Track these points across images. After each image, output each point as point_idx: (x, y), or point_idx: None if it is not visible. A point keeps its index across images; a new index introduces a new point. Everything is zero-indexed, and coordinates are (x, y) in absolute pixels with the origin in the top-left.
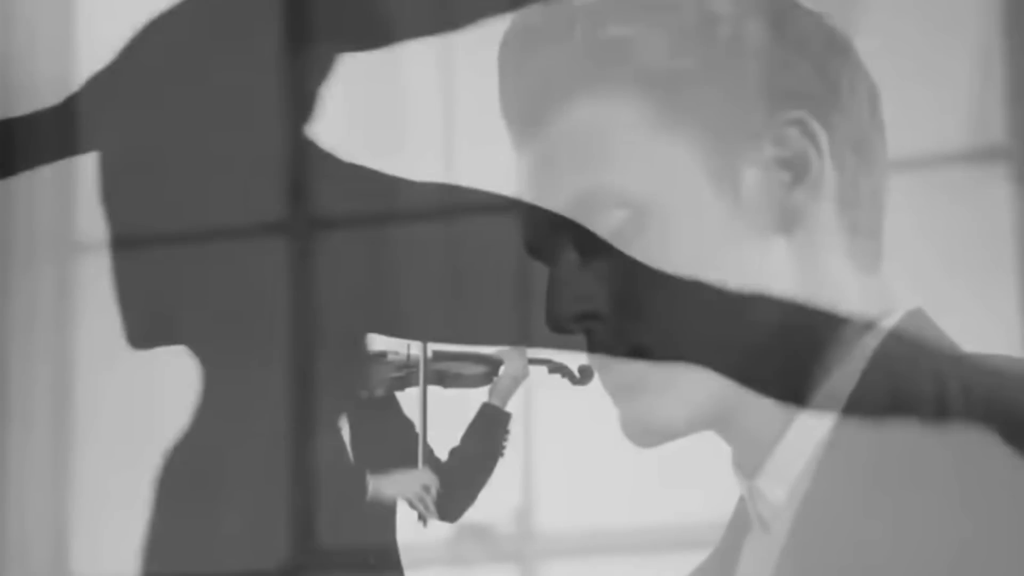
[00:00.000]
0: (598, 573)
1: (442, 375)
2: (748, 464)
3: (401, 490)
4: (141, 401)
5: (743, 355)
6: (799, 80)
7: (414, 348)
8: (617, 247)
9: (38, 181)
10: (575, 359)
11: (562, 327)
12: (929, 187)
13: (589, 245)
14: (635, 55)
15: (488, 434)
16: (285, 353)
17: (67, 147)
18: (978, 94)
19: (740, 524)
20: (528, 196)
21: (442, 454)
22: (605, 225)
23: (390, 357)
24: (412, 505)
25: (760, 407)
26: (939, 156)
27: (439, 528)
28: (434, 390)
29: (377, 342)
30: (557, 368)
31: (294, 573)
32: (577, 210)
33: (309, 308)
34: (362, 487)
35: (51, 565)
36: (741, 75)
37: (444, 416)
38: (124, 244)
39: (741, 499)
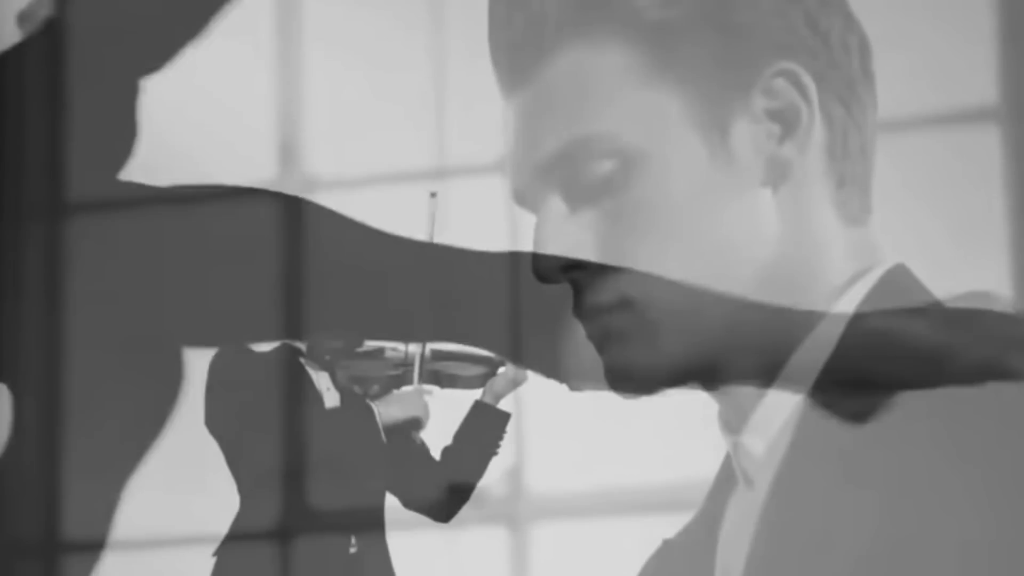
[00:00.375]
0: (589, 534)
1: (439, 375)
2: (733, 420)
3: (406, 409)
4: (132, 362)
5: (728, 305)
6: (790, 32)
7: (412, 345)
8: (604, 197)
9: (27, 139)
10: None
11: (548, 277)
12: (921, 148)
13: (576, 194)
14: (625, 4)
15: (481, 433)
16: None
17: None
18: (970, 55)
19: (725, 481)
20: (515, 144)
21: (436, 453)
22: (592, 175)
23: (387, 353)
24: (412, 425)
25: (743, 361)
26: (930, 117)
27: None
28: (430, 389)
29: (375, 338)
30: None
31: (285, 534)
32: (564, 159)
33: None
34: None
35: (42, 532)
36: (731, 26)
37: (441, 415)
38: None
39: (727, 456)
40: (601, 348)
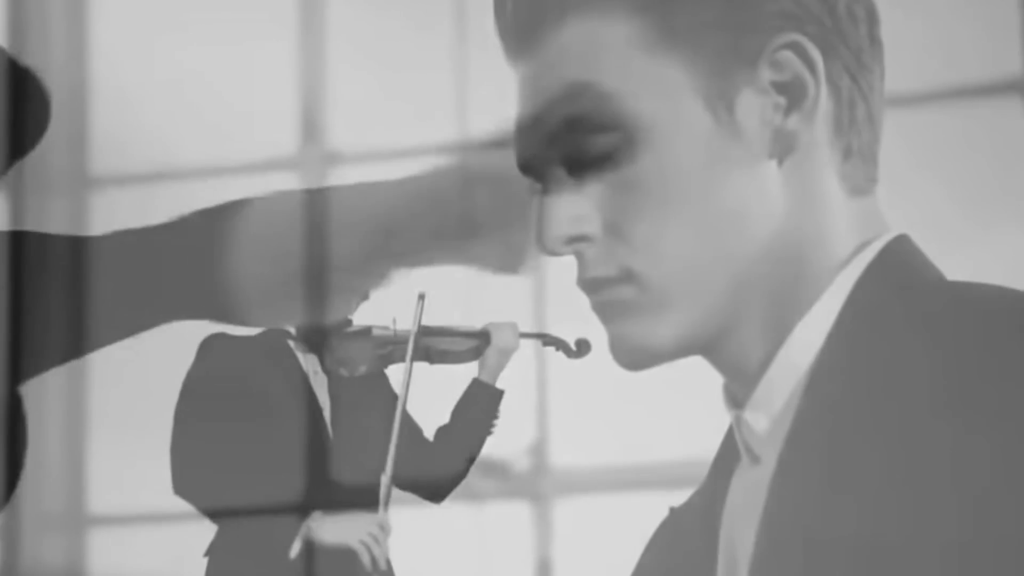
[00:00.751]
0: (612, 509)
1: (429, 351)
2: (738, 393)
3: (345, 536)
4: (155, 337)
5: (731, 279)
6: (797, 3)
7: (400, 324)
8: (609, 168)
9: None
10: (571, 333)
11: (552, 249)
12: (942, 122)
13: (581, 166)
14: None
15: (478, 412)
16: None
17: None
18: (993, 26)
19: (728, 455)
20: (522, 114)
21: (429, 431)
22: (597, 146)
23: (375, 332)
24: (359, 551)
25: (747, 334)
26: (953, 89)
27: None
28: (421, 366)
29: (362, 318)
30: (552, 341)
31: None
32: (570, 130)
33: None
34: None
35: (67, 504)
36: None
37: (432, 392)
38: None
39: (730, 429)
40: (605, 320)
